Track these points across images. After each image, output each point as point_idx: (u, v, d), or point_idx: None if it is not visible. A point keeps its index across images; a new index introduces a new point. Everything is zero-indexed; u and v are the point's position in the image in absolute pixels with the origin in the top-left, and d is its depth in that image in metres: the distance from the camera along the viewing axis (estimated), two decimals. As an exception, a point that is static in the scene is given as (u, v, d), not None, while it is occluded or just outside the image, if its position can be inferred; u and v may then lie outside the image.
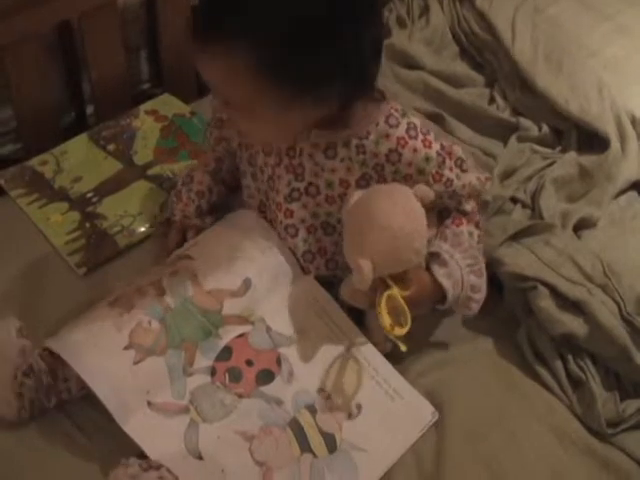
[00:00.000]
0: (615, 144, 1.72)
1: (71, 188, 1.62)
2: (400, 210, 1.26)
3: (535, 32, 1.93)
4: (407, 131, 1.31)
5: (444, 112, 1.80)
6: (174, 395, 1.24)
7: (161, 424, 1.21)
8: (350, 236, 1.29)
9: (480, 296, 1.37)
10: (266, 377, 1.28)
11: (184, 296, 1.30)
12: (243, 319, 1.32)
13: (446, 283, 1.32)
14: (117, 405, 1.20)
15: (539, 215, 1.60)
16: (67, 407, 1.29)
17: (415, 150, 1.31)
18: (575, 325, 1.41)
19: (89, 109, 1.83)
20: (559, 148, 1.78)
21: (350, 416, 1.28)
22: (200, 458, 1.20)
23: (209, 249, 1.38)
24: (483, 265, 1.37)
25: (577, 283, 1.44)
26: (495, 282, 1.51)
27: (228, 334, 1.30)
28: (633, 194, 1.71)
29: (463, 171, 1.37)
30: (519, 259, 1.47)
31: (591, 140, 1.77)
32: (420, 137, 1.31)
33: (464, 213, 1.39)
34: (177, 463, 1.18)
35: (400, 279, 1.28)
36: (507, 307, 1.50)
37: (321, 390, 1.29)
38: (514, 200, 1.64)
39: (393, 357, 1.36)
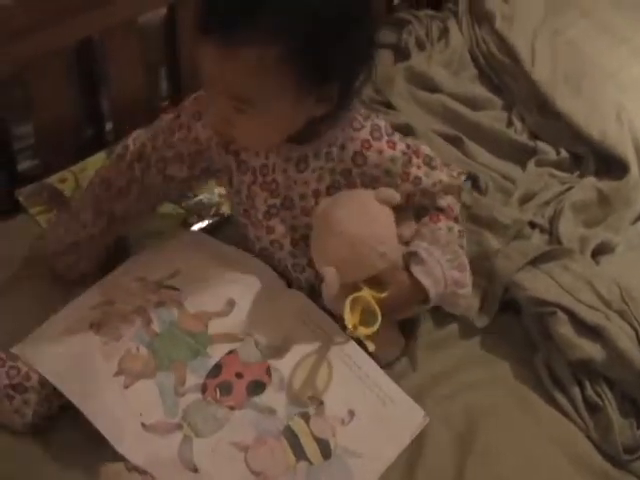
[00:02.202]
0: (634, 169, 1.73)
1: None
2: (356, 217, 1.27)
3: (554, 54, 1.93)
4: (371, 133, 1.32)
5: (462, 135, 1.80)
6: (167, 414, 1.25)
7: (155, 443, 1.22)
8: (314, 244, 1.32)
9: (466, 291, 1.36)
10: (257, 388, 1.29)
11: (169, 321, 1.32)
12: (231, 336, 1.33)
13: (426, 281, 1.32)
14: (111, 428, 1.21)
15: (557, 240, 1.60)
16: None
17: (380, 152, 1.32)
18: (593, 350, 1.40)
19: (108, 126, 1.83)
20: (577, 173, 1.78)
21: (344, 422, 1.28)
22: (196, 471, 1.20)
23: (193, 279, 1.38)
24: (465, 259, 1.37)
25: (595, 308, 1.44)
26: (513, 306, 1.51)
27: (217, 352, 1.31)
28: (652, 220, 1.71)
29: (432, 168, 1.37)
30: (538, 284, 1.47)
31: (609, 165, 1.76)
32: (385, 138, 1.32)
33: (440, 209, 1.39)
34: (173, 477, 1.19)
35: (376, 282, 1.29)
36: (524, 331, 1.49)
37: (313, 397, 1.29)
38: (532, 225, 1.64)
39: (407, 380, 1.38)
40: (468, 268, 1.37)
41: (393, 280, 1.31)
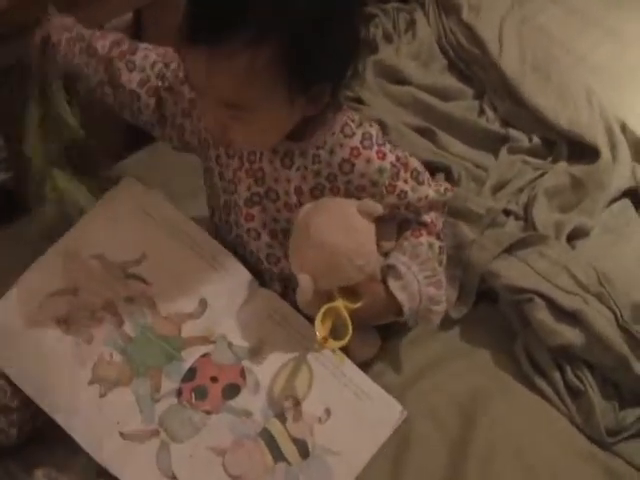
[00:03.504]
0: (606, 153, 1.73)
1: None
2: (335, 228, 1.26)
3: (522, 42, 1.94)
4: (362, 141, 1.30)
5: (434, 126, 1.80)
6: (143, 422, 1.24)
7: (133, 451, 1.22)
8: (292, 248, 1.31)
9: (440, 308, 1.35)
10: (232, 391, 1.29)
11: (142, 324, 1.31)
12: (204, 339, 1.32)
13: (401, 296, 1.31)
14: (87, 438, 1.21)
15: (532, 226, 1.61)
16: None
17: (368, 161, 1.30)
18: (572, 335, 1.41)
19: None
20: (550, 158, 1.79)
21: (321, 420, 1.28)
22: (174, 478, 1.21)
23: (162, 271, 1.36)
24: (443, 277, 1.36)
25: (572, 293, 1.45)
26: (490, 295, 1.52)
27: (191, 355, 1.31)
28: (625, 202, 1.72)
29: (419, 183, 1.35)
30: (514, 271, 1.48)
31: (582, 149, 1.77)
32: (375, 148, 1.30)
33: (423, 224, 1.38)
34: None
35: (350, 292, 1.30)
36: (503, 319, 1.50)
37: (289, 397, 1.29)
38: (507, 212, 1.64)
39: (388, 377, 1.39)
40: (444, 285, 1.36)
41: (368, 291, 1.31)
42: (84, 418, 1.23)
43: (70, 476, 1.21)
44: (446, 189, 1.39)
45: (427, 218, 1.37)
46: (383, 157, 1.30)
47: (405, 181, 1.33)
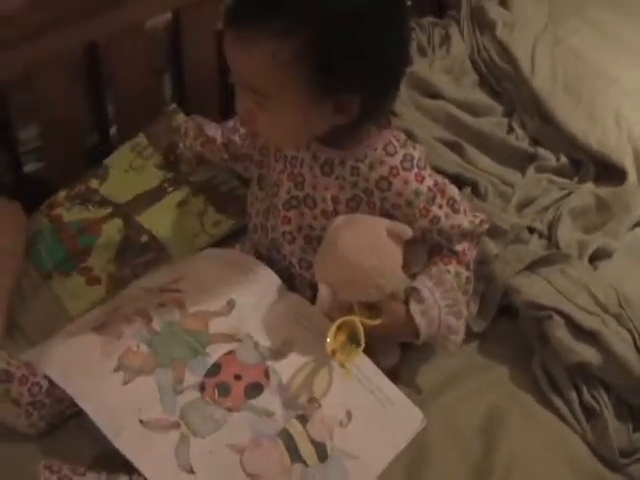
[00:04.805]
0: (632, 175, 1.73)
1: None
2: (362, 244, 1.27)
3: (555, 62, 1.94)
4: (402, 162, 1.31)
5: (463, 141, 1.81)
6: (165, 411, 1.25)
7: (152, 440, 1.22)
8: (319, 256, 1.33)
9: (458, 338, 1.36)
10: (255, 390, 1.29)
11: (170, 320, 1.33)
12: (230, 337, 1.34)
13: (420, 320, 1.33)
14: (108, 422, 1.22)
15: (555, 245, 1.61)
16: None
17: (406, 182, 1.31)
18: (589, 354, 1.42)
19: (112, 129, 1.85)
20: (576, 179, 1.79)
21: (341, 423, 1.29)
22: (191, 472, 1.21)
23: (195, 282, 1.40)
24: (464, 307, 1.37)
25: (592, 313, 1.45)
26: (510, 310, 1.52)
27: (216, 352, 1.32)
28: (650, 225, 1.72)
29: (455, 211, 1.36)
30: (535, 288, 1.48)
31: (609, 171, 1.77)
32: (414, 170, 1.31)
33: (454, 253, 1.39)
34: (166, 477, 1.20)
35: (371, 307, 1.31)
36: (522, 335, 1.50)
37: (311, 399, 1.30)
38: (531, 230, 1.65)
39: (407, 389, 1.40)
40: (465, 316, 1.37)
41: (388, 310, 1.32)
42: (106, 403, 1.24)
43: (75, 467, 1.22)
44: (482, 221, 1.40)
45: (459, 247, 1.38)
46: (421, 180, 1.31)
47: (440, 207, 1.34)
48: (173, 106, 1.78)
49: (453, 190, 1.37)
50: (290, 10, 1.16)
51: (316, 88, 1.20)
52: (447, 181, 1.38)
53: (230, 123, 1.57)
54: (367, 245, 1.28)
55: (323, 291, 1.30)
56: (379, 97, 1.29)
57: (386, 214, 1.33)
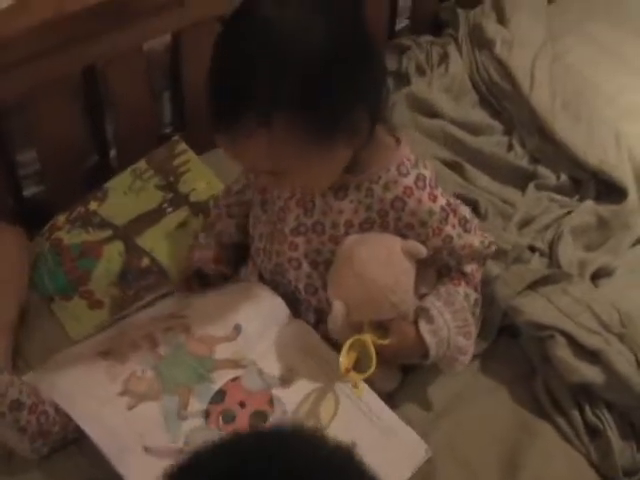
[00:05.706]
0: (633, 194, 1.73)
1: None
2: (377, 262, 1.28)
3: (553, 80, 1.93)
4: (415, 182, 1.32)
5: (463, 160, 1.81)
6: (169, 439, 1.25)
7: (155, 467, 1.21)
8: (332, 274, 1.33)
9: (466, 358, 1.37)
10: (259, 418, 1.30)
11: (175, 344, 1.34)
12: (235, 363, 1.34)
13: (429, 340, 1.33)
14: (111, 446, 1.22)
15: (557, 264, 1.61)
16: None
17: (420, 201, 1.32)
18: (592, 374, 1.41)
19: (112, 152, 1.85)
20: (577, 197, 1.79)
21: None
22: None
23: (202, 308, 1.41)
24: (474, 328, 1.37)
25: (594, 332, 1.45)
26: (511, 329, 1.52)
27: (221, 378, 1.32)
28: (651, 243, 1.72)
29: (466, 231, 1.37)
30: (537, 308, 1.48)
31: (609, 189, 1.77)
32: (427, 190, 1.32)
33: (463, 274, 1.39)
34: None
35: (380, 327, 1.31)
36: (522, 354, 1.50)
37: (314, 428, 1.28)
38: (532, 249, 1.64)
39: (409, 411, 1.39)
40: (474, 337, 1.37)
41: (398, 329, 1.32)
42: (110, 427, 1.24)
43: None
44: (490, 242, 1.41)
45: (468, 268, 1.39)
46: (434, 200, 1.32)
47: (453, 226, 1.35)
48: (175, 137, 1.78)
49: (464, 209, 1.39)
50: (260, 97, 1.16)
51: (319, 140, 1.20)
52: (459, 201, 1.39)
53: (221, 202, 1.54)
54: (382, 262, 1.29)
55: (337, 307, 1.29)
56: (380, 106, 1.29)
57: (398, 234, 1.34)
